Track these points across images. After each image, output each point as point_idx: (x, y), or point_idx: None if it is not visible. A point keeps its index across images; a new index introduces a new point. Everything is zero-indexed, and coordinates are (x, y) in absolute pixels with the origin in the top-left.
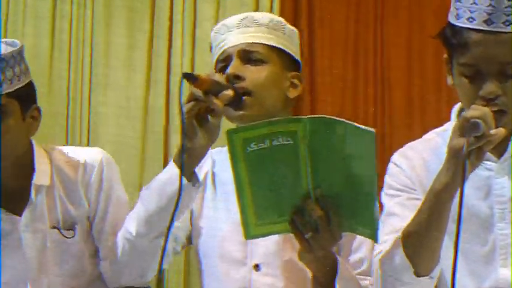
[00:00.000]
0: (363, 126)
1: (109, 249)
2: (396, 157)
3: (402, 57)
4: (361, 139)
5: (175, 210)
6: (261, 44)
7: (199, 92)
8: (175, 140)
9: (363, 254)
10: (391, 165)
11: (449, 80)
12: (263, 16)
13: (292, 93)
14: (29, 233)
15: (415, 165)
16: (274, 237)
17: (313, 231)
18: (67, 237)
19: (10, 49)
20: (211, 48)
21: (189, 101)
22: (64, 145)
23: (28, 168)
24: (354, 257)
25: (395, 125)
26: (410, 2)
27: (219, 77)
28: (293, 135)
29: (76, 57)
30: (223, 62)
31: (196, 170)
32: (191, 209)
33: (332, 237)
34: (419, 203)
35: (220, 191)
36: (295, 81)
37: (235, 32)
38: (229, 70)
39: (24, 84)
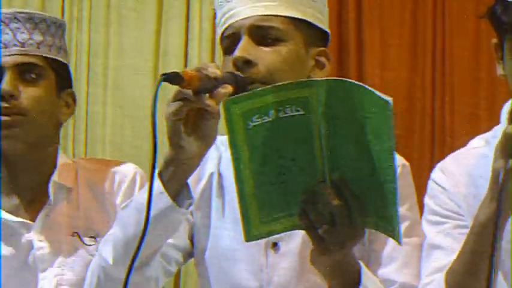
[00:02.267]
0: (379, 93)
1: None
2: (436, 173)
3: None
4: (378, 110)
5: (142, 238)
6: (279, 16)
7: (188, 91)
8: None
9: (395, 267)
10: (431, 184)
11: (500, 70)
12: None
13: (318, 75)
14: (41, 242)
15: (459, 181)
16: (295, 257)
17: (328, 223)
18: (88, 245)
19: (54, 19)
20: (214, 16)
21: (175, 101)
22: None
23: (49, 165)
24: (384, 271)
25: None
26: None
27: (213, 70)
28: (304, 104)
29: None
30: (229, 39)
31: (197, 172)
32: (191, 223)
33: (353, 232)
34: (467, 232)
35: (228, 199)
36: (322, 59)
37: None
38: (237, 53)
39: (62, 61)
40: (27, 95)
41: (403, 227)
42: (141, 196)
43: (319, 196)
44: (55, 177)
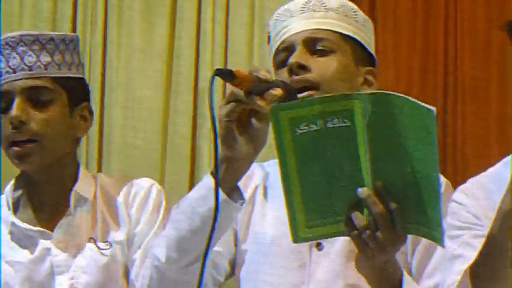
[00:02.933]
0: (422, 103)
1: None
2: (457, 195)
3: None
4: (422, 120)
5: (212, 232)
6: (330, 30)
7: (240, 92)
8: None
9: (437, 280)
10: (451, 205)
11: None
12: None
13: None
14: (59, 251)
15: (478, 196)
16: (337, 257)
17: (372, 229)
18: (103, 249)
19: (62, 35)
20: (269, 39)
21: (228, 102)
22: None
23: (69, 177)
24: (428, 283)
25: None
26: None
27: (264, 73)
28: (350, 116)
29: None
30: (285, 51)
31: (243, 183)
32: (235, 230)
33: (395, 237)
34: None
35: (271, 203)
36: (370, 78)
37: (299, 17)
38: (292, 59)
39: (75, 76)
40: (38, 119)
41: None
42: (194, 193)
43: (363, 204)
44: (77, 188)
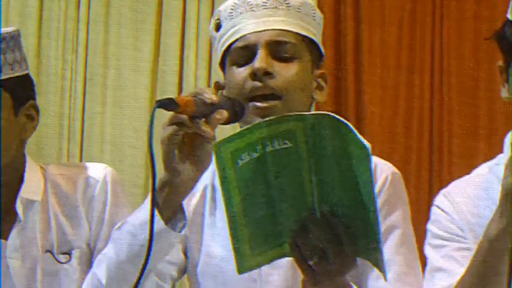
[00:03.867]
0: (361, 138)
1: None
2: (440, 199)
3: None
4: (360, 151)
5: (145, 264)
6: (294, 33)
7: (183, 116)
8: None
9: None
10: (434, 210)
11: (504, 92)
12: None
13: (321, 97)
14: (17, 260)
15: (462, 209)
16: (288, 271)
17: (319, 256)
18: (61, 262)
19: (2, 34)
20: (218, 27)
21: (170, 125)
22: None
23: (19, 181)
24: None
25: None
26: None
27: (209, 96)
28: (291, 136)
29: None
30: (244, 50)
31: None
32: (184, 242)
33: (344, 264)
34: (470, 254)
35: (220, 214)
36: (321, 82)
37: (261, 13)
38: (257, 64)
39: (18, 75)
40: None
41: (395, 235)
42: (135, 218)
43: (309, 229)
44: (22, 194)
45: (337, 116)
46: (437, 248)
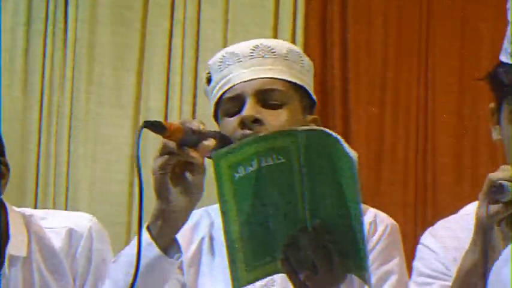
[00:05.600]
0: (348, 149)
1: None
2: (426, 237)
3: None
4: (347, 163)
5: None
6: (282, 80)
7: (172, 144)
8: None
9: None
10: (420, 248)
11: (495, 135)
12: (279, 44)
13: None
14: None
15: (448, 246)
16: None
17: (310, 270)
18: None
19: None
20: (209, 80)
21: (162, 155)
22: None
23: (3, 237)
24: None
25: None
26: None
27: (197, 124)
28: (285, 152)
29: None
30: (234, 101)
31: (188, 236)
32: (183, 283)
33: (334, 277)
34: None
35: (219, 260)
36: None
37: (248, 63)
38: (246, 112)
39: None
40: None
41: (392, 280)
42: (130, 249)
43: (300, 243)
44: (9, 249)
45: (328, 131)
46: (423, 286)
